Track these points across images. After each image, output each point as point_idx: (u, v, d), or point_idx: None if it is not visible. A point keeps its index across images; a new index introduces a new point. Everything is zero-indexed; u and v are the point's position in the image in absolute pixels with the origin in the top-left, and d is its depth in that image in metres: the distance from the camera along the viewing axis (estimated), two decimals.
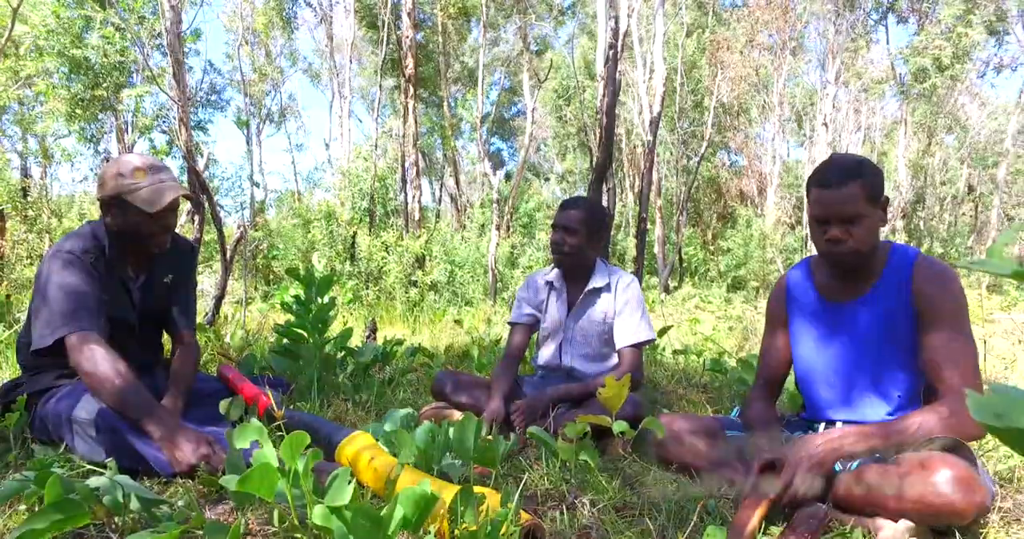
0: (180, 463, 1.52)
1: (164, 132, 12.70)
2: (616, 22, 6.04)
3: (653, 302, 9.43)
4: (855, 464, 1.36)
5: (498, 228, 11.27)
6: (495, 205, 11.40)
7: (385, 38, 11.95)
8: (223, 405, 1.75)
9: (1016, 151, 19.25)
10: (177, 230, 2.07)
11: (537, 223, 16.63)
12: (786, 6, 16.48)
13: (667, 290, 14.08)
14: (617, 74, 5.85)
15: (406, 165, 11.47)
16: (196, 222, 4.38)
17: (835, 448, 1.30)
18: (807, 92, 19.33)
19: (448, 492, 1.21)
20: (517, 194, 16.51)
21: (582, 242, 2.18)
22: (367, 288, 9.32)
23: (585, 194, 8.50)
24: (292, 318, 2.61)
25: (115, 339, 1.73)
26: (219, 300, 4.44)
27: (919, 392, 1.50)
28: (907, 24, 17.42)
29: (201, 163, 4.46)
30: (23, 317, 2.73)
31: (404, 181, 11.62)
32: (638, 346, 2.18)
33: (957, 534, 1.20)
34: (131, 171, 1.75)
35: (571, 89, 19.31)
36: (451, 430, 1.57)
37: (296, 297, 2.60)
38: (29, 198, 9.61)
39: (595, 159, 6.17)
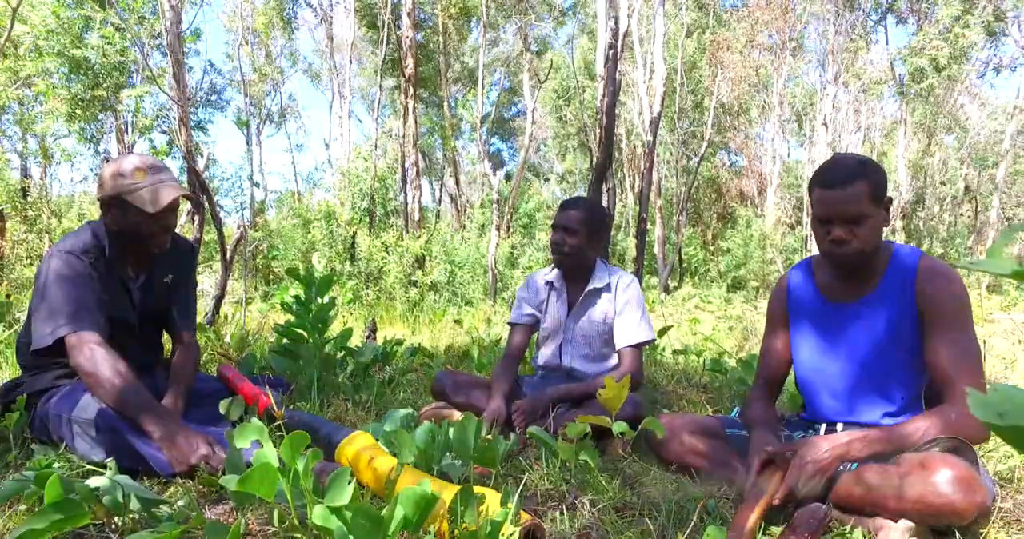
0: (180, 463, 1.52)
1: (164, 132, 12.71)
2: (616, 22, 6.04)
3: (653, 302, 9.44)
4: (855, 464, 1.36)
5: (498, 228, 11.27)
6: (495, 205, 11.41)
7: (385, 38, 11.96)
8: (223, 405, 1.75)
9: (1015, 151, 19.25)
10: (177, 230, 2.07)
11: (537, 223, 16.63)
12: (786, 6, 16.48)
13: (667, 290, 14.08)
14: (617, 74, 5.85)
15: (406, 165, 11.48)
16: (196, 222, 4.38)
17: (841, 454, 1.30)
18: (807, 92, 19.34)
19: (448, 492, 1.21)
20: (517, 194, 16.51)
21: (582, 242, 2.18)
22: (367, 288, 9.32)
23: (585, 194, 8.50)
24: (292, 318, 2.61)
25: (115, 339, 1.73)
26: (219, 300, 4.45)
27: (921, 393, 1.50)
28: (906, 24, 17.44)
29: (201, 163, 4.46)
30: (23, 317, 2.73)
31: (404, 181, 11.63)
32: (638, 346, 2.18)
33: (957, 534, 1.20)
34: (131, 171, 1.75)
35: (571, 89, 19.31)
36: (451, 430, 1.57)
37: (296, 297, 2.60)
38: (29, 198, 9.63)
39: (595, 159, 6.17)
